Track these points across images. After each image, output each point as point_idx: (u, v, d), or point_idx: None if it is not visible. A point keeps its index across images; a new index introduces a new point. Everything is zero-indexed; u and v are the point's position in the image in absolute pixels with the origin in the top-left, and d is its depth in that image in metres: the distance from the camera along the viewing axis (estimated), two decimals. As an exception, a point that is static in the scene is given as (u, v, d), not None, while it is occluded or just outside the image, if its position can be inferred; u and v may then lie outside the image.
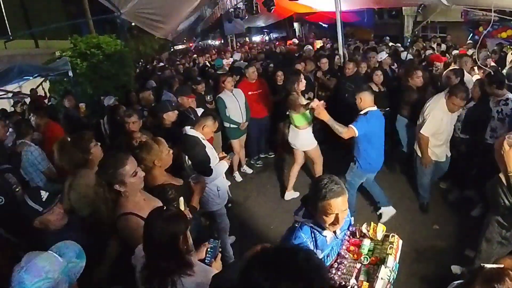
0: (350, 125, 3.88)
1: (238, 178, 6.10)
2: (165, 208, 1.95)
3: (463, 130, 4.49)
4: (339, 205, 1.93)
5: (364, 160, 4.13)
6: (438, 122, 4.05)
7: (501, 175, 2.73)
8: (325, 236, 2.10)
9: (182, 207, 2.46)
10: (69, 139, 3.17)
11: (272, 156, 6.89)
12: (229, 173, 5.93)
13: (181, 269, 1.80)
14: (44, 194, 2.22)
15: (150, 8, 6.97)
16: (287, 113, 4.94)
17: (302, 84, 4.80)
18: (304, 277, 1.11)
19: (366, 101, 3.96)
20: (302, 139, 4.98)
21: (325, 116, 3.87)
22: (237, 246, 4.29)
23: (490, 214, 2.95)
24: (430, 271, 3.62)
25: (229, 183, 5.63)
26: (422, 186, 4.65)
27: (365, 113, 3.95)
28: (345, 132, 3.86)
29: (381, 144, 4.12)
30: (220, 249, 2.34)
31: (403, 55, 8.47)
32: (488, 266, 1.78)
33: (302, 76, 4.93)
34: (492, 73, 4.41)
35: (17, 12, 11.83)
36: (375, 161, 4.21)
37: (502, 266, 1.79)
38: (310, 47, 9.47)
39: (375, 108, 4.01)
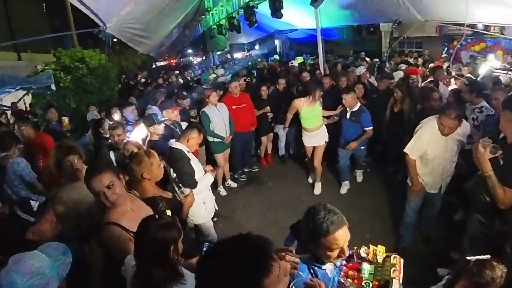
0: (367, 128, 5.14)
1: (223, 192, 6.08)
2: (158, 216, 1.94)
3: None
4: (344, 236, 1.76)
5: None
6: (423, 143, 3.61)
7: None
8: (325, 269, 1.91)
9: None
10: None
11: (256, 170, 6.92)
12: (214, 187, 5.94)
13: (173, 278, 1.80)
14: (34, 204, 2.19)
15: (135, 23, 7.01)
16: None
17: (319, 95, 5.49)
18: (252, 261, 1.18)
19: (355, 99, 5.13)
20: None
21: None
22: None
23: (471, 214, 3.05)
24: (416, 274, 3.64)
25: (214, 197, 5.67)
26: (404, 225, 4.19)
27: (360, 109, 5.15)
28: (369, 133, 5.20)
29: None
30: None
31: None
32: (474, 258, 1.85)
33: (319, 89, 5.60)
34: (473, 82, 4.56)
35: (0, 24, 11.66)
36: None
37: (487, 257, 1.87)
38: (294, 63, 9.63)
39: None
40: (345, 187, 5.71)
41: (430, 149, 3.59)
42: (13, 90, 6.43)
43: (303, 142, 5.79)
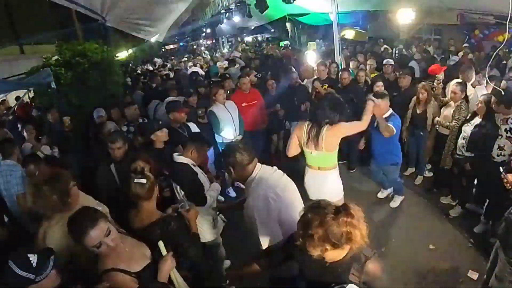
0: (390, 124, 4.19)
1: (232, 193, 5.85)
2: None
3: (469, 148, 4.25)
4: None
5: (398, 154, 4.67)
6: None
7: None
8: None
9: (163, 251, 2.20)
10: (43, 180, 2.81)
11: (268, 169, 6.62)
12: (223, 189, 5.67)
13: None
14: (33, 258, 1.82)
15: (137, 13, 6.69)
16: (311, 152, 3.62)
17: None
18: None
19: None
20: (333, 185, 3.69)
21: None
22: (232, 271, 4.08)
23: (501, 252, 2.74)
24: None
25: (223, 199, 5.43)
26: None
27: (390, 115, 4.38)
28: (389, 130, 4.14)
29: None
30: None
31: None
32: None
33: None
34: (502, 92, 4.10)
35: (1, 18, 11.43)
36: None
37: None
38: (312, 52, 9.00)
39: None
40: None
41: None
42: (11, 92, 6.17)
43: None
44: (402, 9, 8.88)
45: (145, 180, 2.45)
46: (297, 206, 2.48)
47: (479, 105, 4.13)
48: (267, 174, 2.60)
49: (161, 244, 2.23)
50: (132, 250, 2.17)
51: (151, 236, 2.37)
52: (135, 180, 2.44)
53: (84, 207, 2.11)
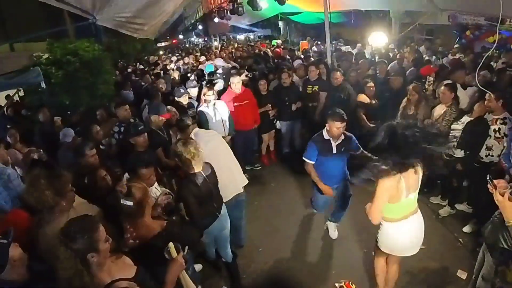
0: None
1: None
2: None
3: (460, 145, 4.26)
4: None
5: None
6: None
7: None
8: None
9: (174, 253, 2.18)
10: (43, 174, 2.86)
11: (259, 168, 6.62)
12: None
13: None
14: None
15: (128, 12, 6.59)
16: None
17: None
18: None
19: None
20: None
21: None
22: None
23: (487, 254, 2.75)
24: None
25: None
26: None
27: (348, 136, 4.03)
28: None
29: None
30: None
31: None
32: None
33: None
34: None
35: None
36: None
37: None
38: (300, 61, 8.94)
39: None
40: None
41: None
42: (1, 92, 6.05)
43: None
44: (374, 33, 8.95)
45: (131, 202, 2.39)
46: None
47: (487, 102, 4.00)
48: (200, 133, 4.00)
49: (171, 245, 2.21)
50: (116, 260, 2.10)
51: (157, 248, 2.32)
52: (122, 201, 2.39)
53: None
